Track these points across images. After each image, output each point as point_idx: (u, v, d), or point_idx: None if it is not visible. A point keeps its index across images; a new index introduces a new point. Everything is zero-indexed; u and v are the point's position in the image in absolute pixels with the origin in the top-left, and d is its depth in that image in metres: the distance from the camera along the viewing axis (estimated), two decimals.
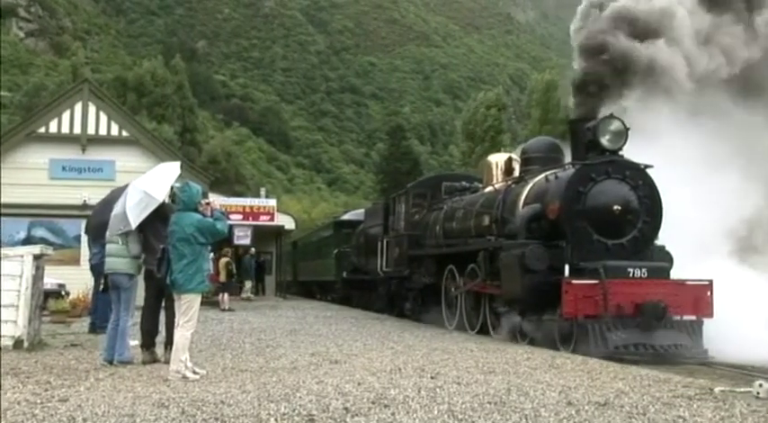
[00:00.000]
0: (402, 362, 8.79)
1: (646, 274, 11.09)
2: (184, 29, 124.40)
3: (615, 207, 11.49)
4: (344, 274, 26.94)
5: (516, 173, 14.48)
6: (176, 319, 7.93)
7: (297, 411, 5.65)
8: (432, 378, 7.38)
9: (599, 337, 10.33)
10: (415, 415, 5.54)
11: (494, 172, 15.41)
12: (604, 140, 11.73)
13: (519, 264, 11.36)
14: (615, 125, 11.76)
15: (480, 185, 16.10)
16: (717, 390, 6.51)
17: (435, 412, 5.63)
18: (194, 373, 7.56)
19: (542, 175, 12.79)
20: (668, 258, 11.94)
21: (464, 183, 17.23)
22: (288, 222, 32.16)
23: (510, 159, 15.19)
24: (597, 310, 10.48)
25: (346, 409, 5.75)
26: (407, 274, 17.69)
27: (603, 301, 10.43)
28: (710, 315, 10.89)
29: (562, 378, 7.30)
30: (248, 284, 28.35)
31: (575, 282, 10.71)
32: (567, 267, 10.98)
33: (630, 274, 11.03)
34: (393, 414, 5.56)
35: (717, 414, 5.58)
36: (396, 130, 78.40)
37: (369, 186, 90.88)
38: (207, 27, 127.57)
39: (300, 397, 6.25)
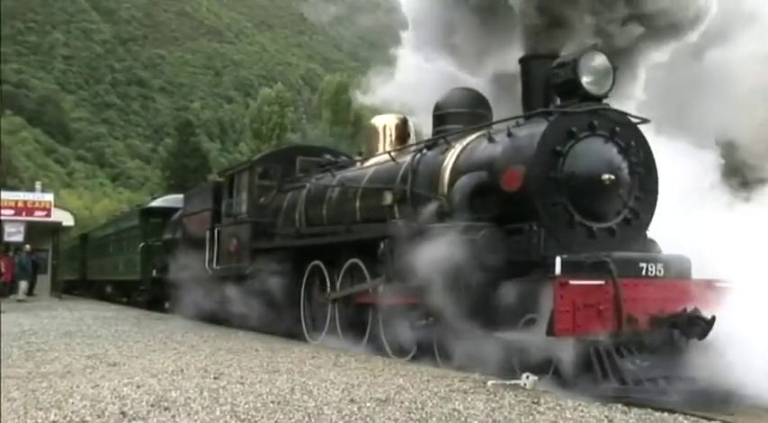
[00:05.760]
0: (185, 363, 8.57)
1: (662, 272, 7.60)
2: None
3: (605, 176, 8.08)
4: (154, 273, 22.82)
5: (413, 139, 11.73)
6: None
7: (68, 418, 5.37)
8: (215, 378, 7.24)
9: (609, 366, 6.60)
10: (196, 417, 5.42)
11: (381, 138, 12.06)
12: (586, 81, 8.27)
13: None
14: (599, 60, 8.33)
15: (358, 159, 12.92)
16: (489, 383, 6.87)
17: (218, 413, 5.55)
18: None
19: (477, 134, 9.44)
20: (657, 250, 8.67)
21: (328, 156, 14.14)
22: (66, 219, 30.73)
23: (404, 121, 12.10)
24: (605, 326, 6.85)
25: (123, 413, 5.53)
26: (250, 273, 13.85)
27: (617, 312, 6.93)
28: None
29: (345, 376, 7.41)
30: (23, 284, 26.57)
31: (572, 282, 6.96)
32: (558, 260, 7.21)
33: (644, 272, 7.53)
34: (173, 417, 5.42)
35: (488, 405, 5.91)
36: (184, 126, 76.26)
37: (155, 183, 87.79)
38: None
39: (73, 403, 5.93)
